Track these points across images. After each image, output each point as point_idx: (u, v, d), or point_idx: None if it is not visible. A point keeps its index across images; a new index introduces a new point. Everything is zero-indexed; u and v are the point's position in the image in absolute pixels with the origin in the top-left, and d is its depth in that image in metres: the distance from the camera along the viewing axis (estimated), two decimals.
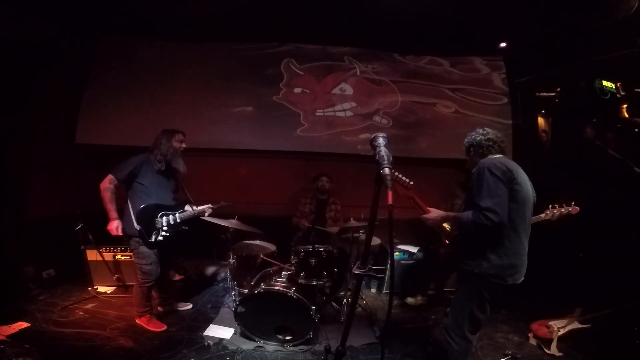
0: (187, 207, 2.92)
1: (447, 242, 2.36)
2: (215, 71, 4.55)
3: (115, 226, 2.67)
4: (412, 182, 2.08)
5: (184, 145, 2.95)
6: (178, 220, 2.78)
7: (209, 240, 3.91)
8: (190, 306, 3.27)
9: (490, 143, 2.10)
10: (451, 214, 2.15)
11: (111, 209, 2.66)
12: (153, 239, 2.67)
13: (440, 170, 4.55)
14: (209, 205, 3.00)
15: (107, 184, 2.64)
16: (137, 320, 2.84)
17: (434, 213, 2.16)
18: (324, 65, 4.66)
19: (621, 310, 2.76)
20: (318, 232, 3.64)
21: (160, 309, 3.13)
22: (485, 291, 1.96)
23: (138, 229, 2.62)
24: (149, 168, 2.74)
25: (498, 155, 2.08)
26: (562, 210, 2.47)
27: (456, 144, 4.52)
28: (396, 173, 2.05)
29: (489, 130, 2.17)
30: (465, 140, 2.24)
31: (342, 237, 3.74)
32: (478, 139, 2.16)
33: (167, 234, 2.71)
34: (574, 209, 2.48)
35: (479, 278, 1.94)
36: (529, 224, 2.00)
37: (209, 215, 3.01)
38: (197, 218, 2.92)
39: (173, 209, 2.80)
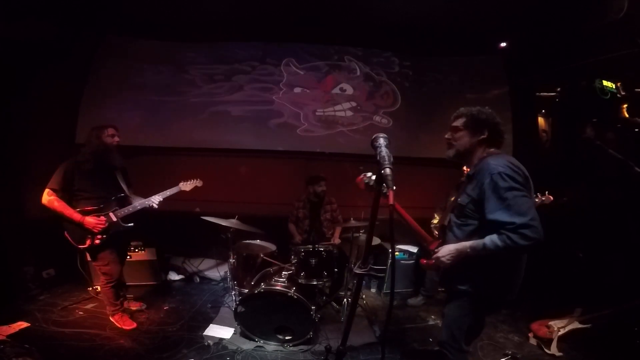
0: (135, 201, 2.77)
1: (431, 249, 2.04)
2: (215, 71, 4.54)
3: (94, 220, 2.55)
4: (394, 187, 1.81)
5: (116, 139, 2.79)
6: (114, 219, 2.66)
7: (209, 240, 3.90)
8: (141, 305, 3.19)
9: (502, 133, 1.75)
10: (466, 244, 1.63)
11: (71, 212, 2.54)
12: (87, 244, 2.60)
13: (440, 170, 4.55)
14: (159, 194, 2.81)
15: (47, 197, 2.53)
16: (110, 319, 2.84)
17: (446, 250, 1.69)
18: (324, 65, 4.66)
19: (621, 310, 2.76)
20: (318, 232, 3.65)
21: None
22: (483, 307, 1.79)
23: (66, 235, 2.58)
24: (80, 171, 2.61)
25: (500, 152, 1.73)
26: (537, 200, 2.45)
27: None
28: (372, 176, 1.77)
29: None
30: (475, 111, 1.75)
31: (342, 237, 3.74)
32: (495, 121, 1.73)
33: (104, 236, 2.62)
34: (547, 198, 2.45)
35: (477, 299, 1.72)
36: None
37: (208, 215, 3.01)
38: (142, 212, 2.76)
39: (104, 209, 2.64)
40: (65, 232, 2.62)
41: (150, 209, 2.78)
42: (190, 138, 4.46)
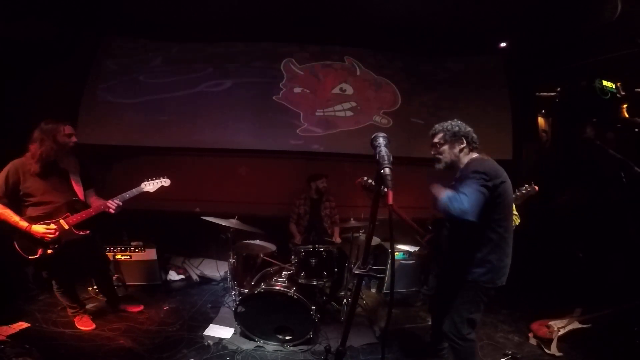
0: (99, 203, 2.55)
1: (424, 242, 2.30)
2: (215, 71, 4.54)
3: (43, 229, 2.33)
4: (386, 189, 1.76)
5: (73, 139, 2.48)
6: (65, 227, 2.42)
7: (209, 240, 3.91)
8: (141, 308, 3.13)
9: (475, 138, 1.97)
10: (439, 188, 1.86)
11: (16, 220, 2.30)
12: (38, 255, 2.37)
13: (440, 171, 4.54)
14: (117, 197, 2.54)
15: None
16: (72, 319, 2.80)
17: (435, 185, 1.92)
18: (324, 65, 4.66)
19: (621, 310, 2.77)
20: (318, 232, 3.66)
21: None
22: (481, 293, 1.95)
23: (15, 246, 2.36)
24: (27, 174, 2.35)
25: (480, 156, 1.95)
26: (523, 192, 2.44)
27: None
28: (368, 180, 1.91)
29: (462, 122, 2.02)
30: (449, 126, 1.98)
31: (342, 236, 3.74)
32: (467, 129, 1.98)
33: (57, 245, 2.40)
34: (532, 188, 2.46)
35: (472, 284, 1.92)
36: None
37: (208, 215, 3.01)
38: (96, 217, 2.53)
39: (53, 215, 2.40)
40: (15, 243, 2.38)
41: (108, 211, 2.52)
42: (191, 138, 4.46)
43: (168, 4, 3.86)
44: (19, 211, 2.37)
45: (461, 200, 1.68)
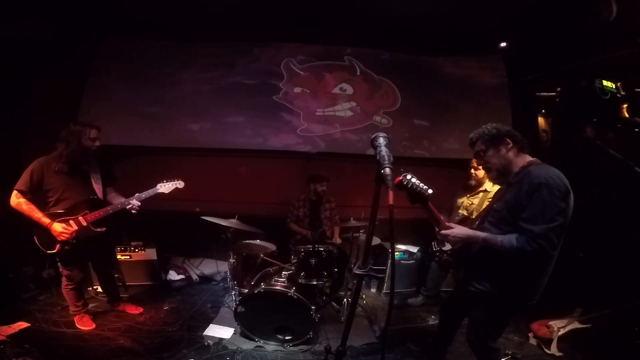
0: (112, 203, 2.64)
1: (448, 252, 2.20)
2: (216, 71, 4.54)
3: (61, 228, 2.41)
4: (430, 191, 1.72)
5: (97, 143, 2.57)
6: (84, 224, 2.49)
7: (209, 240, 3.91)
8: (140, 310, 3.10)
9: (520, 136, 1.77)
10: (480, 234, 1.73)
11: (39, 216, 2.39)
12: (56, 250, 2.46)
13: (440, 170, 4.55)
14: (134, 197, 2.60)
15: (15, 199, 2.39)
16: (73, 318, 2.82)
17: (457, 230, 1.81)
18: (324, 65, 4.66)
19: (621, 310, 2.77)
20: (318, 230, 3.66)
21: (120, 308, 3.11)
22: (515, 310, 1.87)
23: (34, 240, 2.44)
24: (50, 171, 2.45)
25: (537, 160, 1.76)
26: None
27: (455, 144, 4.59)
28: (413, 179, 1.71)
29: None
30: (484, 130, 1.79)
31: (342, 236, 3.74)
32: (507, 129, 1.78)
33: (74, 241, 2.48)
34: None
35: (504, 303, 1.79)
36: None
37: (208, 215, 3.01)
38: (113, 215, 2.59)
39: (73, 212, 2.49)
40: (34, 237, 2.48)
41: (127, 211, 2.60)
42: (191, 138, 4.46)
43: (168, 4, 3.85)
44: (41, 207, 2.46)
45: (538, 241, 1.54)
